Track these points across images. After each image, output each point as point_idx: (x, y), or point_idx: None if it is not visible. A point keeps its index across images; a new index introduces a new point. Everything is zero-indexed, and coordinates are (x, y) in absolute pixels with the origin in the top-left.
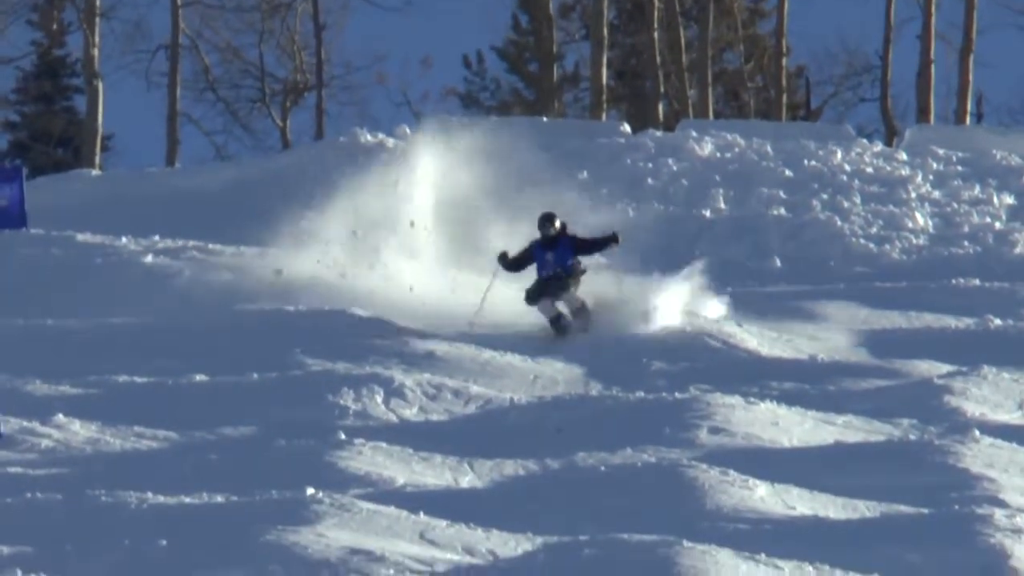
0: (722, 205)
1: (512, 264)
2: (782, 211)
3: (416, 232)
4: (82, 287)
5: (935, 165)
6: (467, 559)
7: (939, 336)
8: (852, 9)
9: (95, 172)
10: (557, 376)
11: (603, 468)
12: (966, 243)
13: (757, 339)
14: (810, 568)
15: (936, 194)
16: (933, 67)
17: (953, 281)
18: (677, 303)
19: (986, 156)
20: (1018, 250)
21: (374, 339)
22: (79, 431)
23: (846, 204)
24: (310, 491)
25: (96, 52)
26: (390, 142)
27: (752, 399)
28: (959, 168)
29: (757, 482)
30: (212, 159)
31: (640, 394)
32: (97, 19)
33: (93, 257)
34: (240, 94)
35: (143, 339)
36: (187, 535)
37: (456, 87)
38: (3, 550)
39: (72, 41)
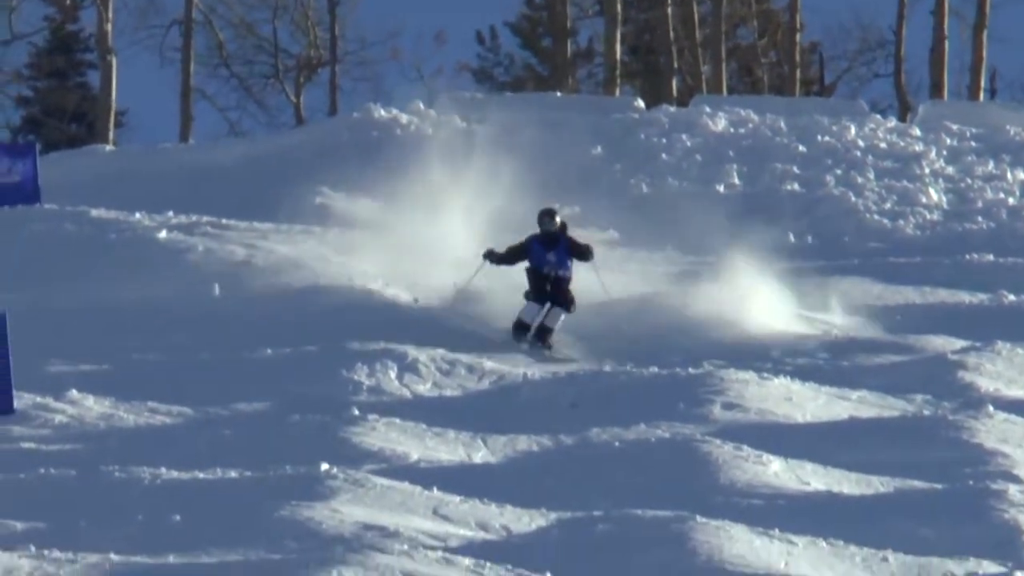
0: (736, 181)
1: (504, 257)
2: (796, 187)
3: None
4: (96, 263)
5: (949, 141)
6: (481, 535)
7: (953, 311)
8: None
9: (109, 148)
10: (571, 352)
11: (617, 444)
12: (980, 219)
13: (771, 315)
14: (824, 543)
15: (950, 170)
16: (947, 42)
17: (967, 256)
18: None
19: (1000, 132)
20: None
21: (388, 314)
22: (93, 407)
23: (860, 180)
24: (324, 467)
25: (109, 27)
26: (404, 118)
27: (766, 374)
28: (973, 144)
29: (771, 457)
30: (226, 135)
31: (654, 370)
32: None
33: (107, 233)
34: (254, 70)
35: (157, 315)
36: (201, 510)
37: (469, 63)
38: (17, 525)
39: (85, 16)
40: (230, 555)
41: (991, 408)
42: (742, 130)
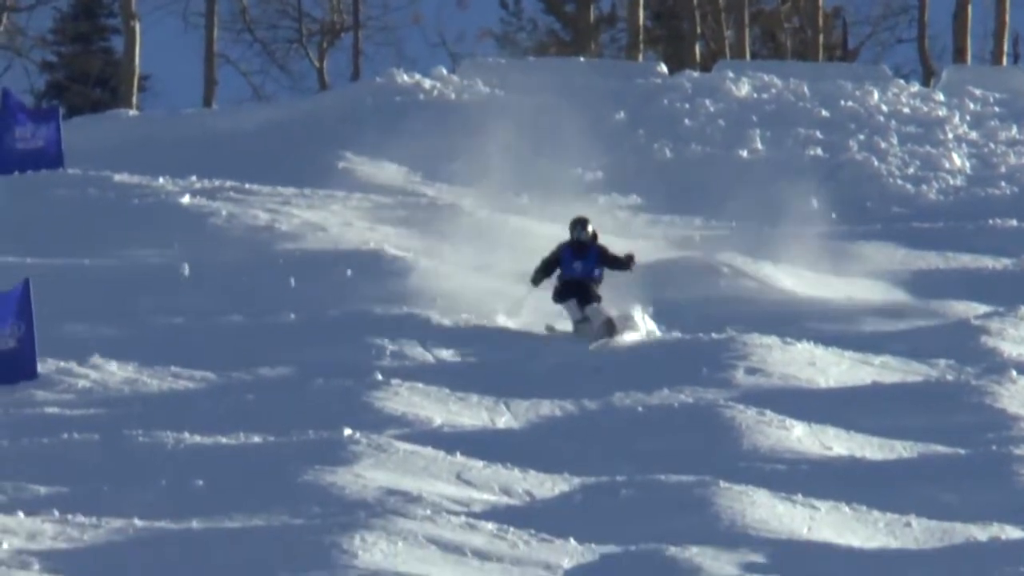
0: (759, 146)
1: (540, 271)
2: (819, 152)
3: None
4: (119, 227)
5: (972, 106)
6: (504, 499)
7: (976, 276)
8: None
9: (132, 112)
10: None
11: (640, 409)
12: (1003, 183)
13: (794, 280)
14: (846, 508)
15: (973, 135)
16: (970, 7)
17: (990, 221)
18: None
19: (1023, 97)
20: None
21: (411, 279)
22: (116, 371)
23: (883, 145)
24: (347, 431)
25: None
26: (427, 83)
27: (789, 340)
28: (996, 109)
29: (794, 422)
30: (249, 100)
31: (677, 334)
32: None
33: (130, 197)
34: (277, 35)
35: (180, 280)
36: (224, 475)
37: (492, 28)
38: (40, 490)
39: None
40: (253, 520)
41: (1014, 373)
42: (765, 95)
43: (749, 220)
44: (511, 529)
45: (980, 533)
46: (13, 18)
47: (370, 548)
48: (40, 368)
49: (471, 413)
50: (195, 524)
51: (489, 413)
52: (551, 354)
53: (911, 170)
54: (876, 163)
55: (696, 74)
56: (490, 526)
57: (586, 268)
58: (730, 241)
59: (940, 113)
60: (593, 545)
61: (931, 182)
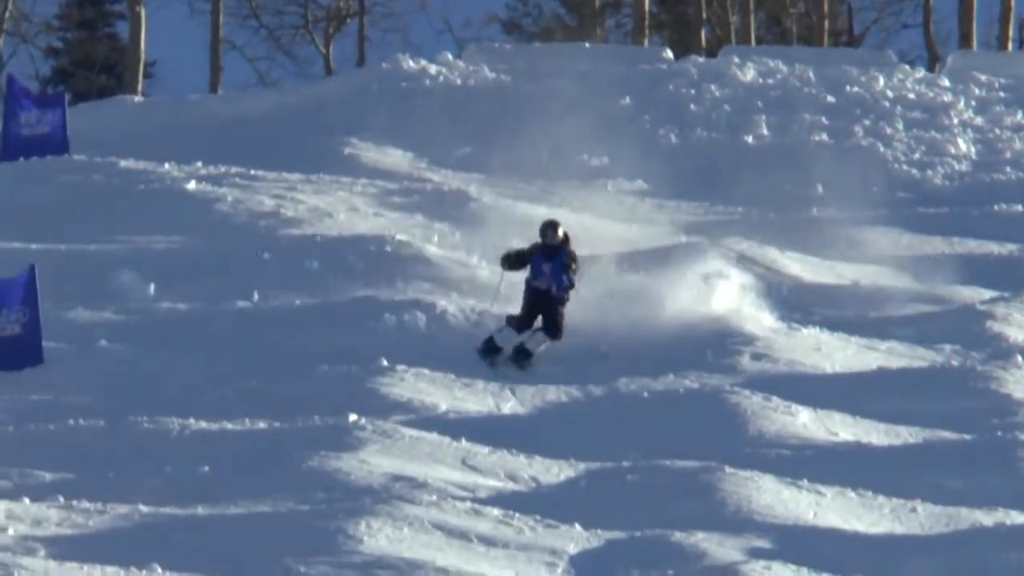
0: (764, 131)
1: (515, 259)
2: (824, 137)
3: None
4: (124, 213)
5: (977, 91)
6: (509, 485)
7: (981, 262)
8: None
9: (137, 98)
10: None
11: (645, 394)
12: (1008, 169)
13: (800, 265)
14: (852, 494)
15: (978, 120)
16: None
17: (995, 207)
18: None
19: None
20: None
21: (417, 265)
22: (121, 357)
23: (888, 130)
24: (352, 417)
25: None
26: (432, 69)
27: (795, 325)
28: (1001, 94)
29: (800, 408)
30: (255, 86)
31: (681, 319)
32: None
33: (135, 183)
34: (283, 20)
35: (185, 266)
36: (229, 461)
37: (498, 13)
38: (46, 476)
39: None
40: (258, 506)
41: (1020, 358)
42: (771, 81)
43: (755, 205)
44: (517, 515)
45: (985, 518)
46: (18, 4)
47: (375, 534)
48: (45, 354)
49: (477, 399)
50: (200, 510)
51: (495, 399)
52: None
53: (916, 155)
54: (881, 148)
55: (702, 59)
56: (496, 512)
57: (555, 273)
58: (736, 226)
59: (945, 98)
60: (599, 531)
61: (936, 167)
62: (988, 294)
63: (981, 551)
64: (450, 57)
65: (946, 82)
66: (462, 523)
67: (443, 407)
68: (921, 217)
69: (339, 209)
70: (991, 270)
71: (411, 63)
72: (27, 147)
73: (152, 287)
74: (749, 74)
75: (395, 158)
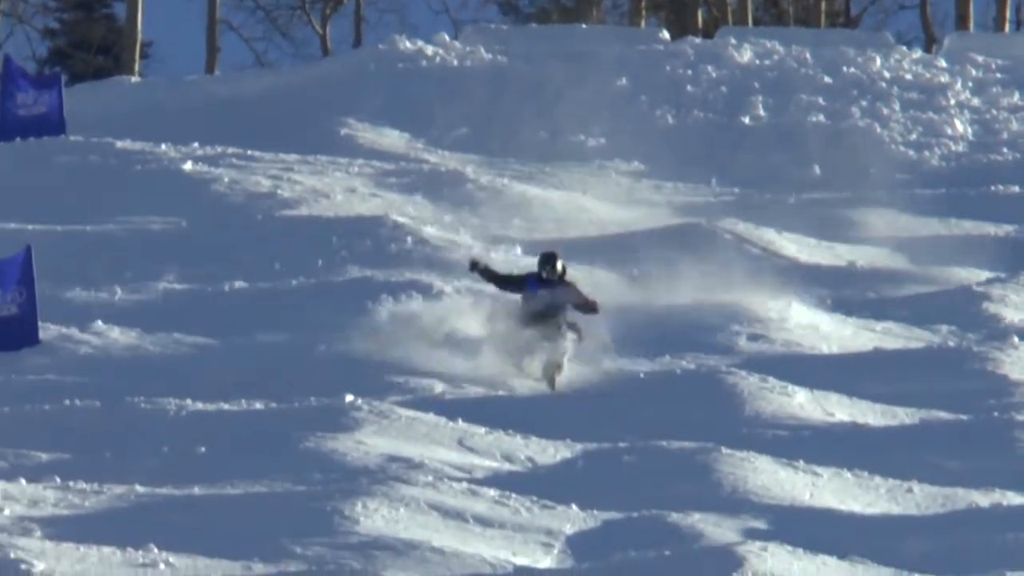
0: (761, 112)
1: (495, 279)
2: (821, 118)
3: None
4: (121, 194)
5: (974, 72)
6: (506, 466)
7: (978, 243)
8: None
9: (134, 79)
10: (598, 284)
11: (642, 375)
12: (1005, 150)
13: (796, 246)
14: (848, 474)
15: (975, 101)
16: None
17: (992, 188)
18: None
19: None
20: None
21: (413, 245)
22: (118, 338)
23: (885, 111)
24: (349, 398)
25: None
26: (429, 50)
27: (792, 305)
28: (998, 75)
29: (796, 389)
30: (251, 66)
31: (679, 301)
32: None
33: (132, 164)
34: (280, 1)
35: (182, 246)
36: (226, 442)
37: None
38: (42, 457)
39: None
40: (255, 486)
41: (1016, 339)
42: (767, 62)
43: (751, 186)
44: (513, 495)
45: (982, 499)
46: None
47: (372, 514)
48: (42, 335)
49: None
50: (197, 491)
51: (491, 379)
52: None
53: (913, 136)
54: (878, 129)
55: (698, 40)
56: (492, 492)
57: (554, 297)
58: (733, 207)
59: (942, 79)
60: (595, 511)
61: (933, 148)
62: (985, 275)
63: (977, 531)
64: (447, 38)
65: (943, 63)
66: (458, 503)
67: (439, 388)
68: (918, 198)
69: (336, 190)
70: (988, 251)
71: (408, 44)
72: (24, 128)
73: (149, 268)
74: (746, 55)
75: (392, 139)
